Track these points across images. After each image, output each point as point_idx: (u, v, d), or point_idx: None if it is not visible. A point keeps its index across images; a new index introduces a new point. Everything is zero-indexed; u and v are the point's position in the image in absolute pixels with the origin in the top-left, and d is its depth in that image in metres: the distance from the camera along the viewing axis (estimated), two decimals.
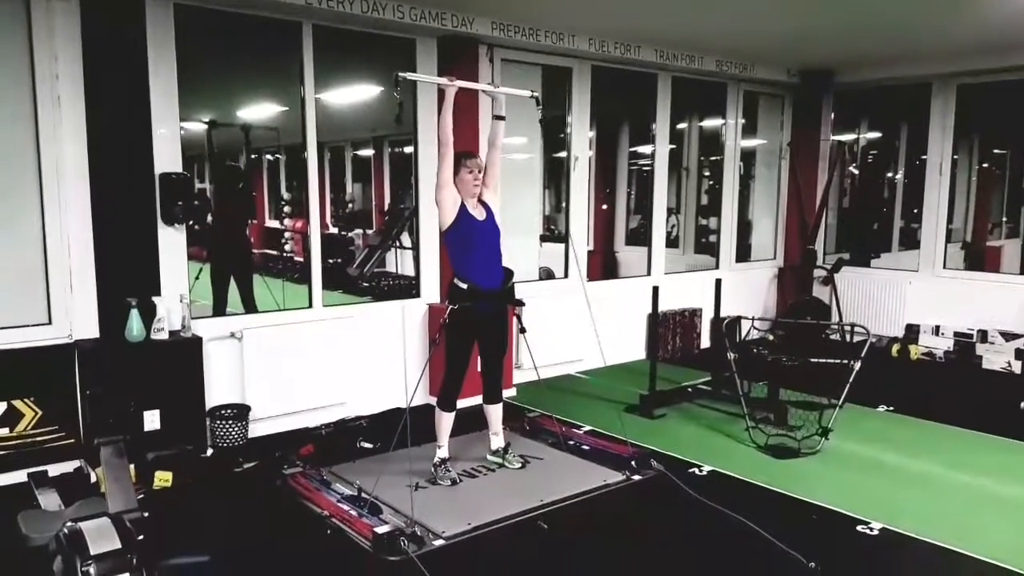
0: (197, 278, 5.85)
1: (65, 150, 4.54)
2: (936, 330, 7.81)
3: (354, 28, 5.54)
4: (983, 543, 3.73)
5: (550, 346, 6.43)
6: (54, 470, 4.50)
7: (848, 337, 7.72)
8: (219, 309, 5.98)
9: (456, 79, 4.33)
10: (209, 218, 6.10)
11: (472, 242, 4.33)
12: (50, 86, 4.48)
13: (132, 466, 4.00)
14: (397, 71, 4.17)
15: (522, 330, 4.70)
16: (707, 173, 9.50)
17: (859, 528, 3.91)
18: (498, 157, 4.54)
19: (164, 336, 4.68)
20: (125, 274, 4.63)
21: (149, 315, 4.62)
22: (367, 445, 5.06)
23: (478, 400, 4.76)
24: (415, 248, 6.33)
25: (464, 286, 4.33)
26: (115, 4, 4.47)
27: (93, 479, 4.31)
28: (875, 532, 3.87)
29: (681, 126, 9.04)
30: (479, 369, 4.66)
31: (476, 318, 4.37)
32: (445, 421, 4.49)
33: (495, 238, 4.44)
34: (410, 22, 5.48)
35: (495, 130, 4.53)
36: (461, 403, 4.55)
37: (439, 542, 3.70)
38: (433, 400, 4.71)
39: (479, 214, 4.39)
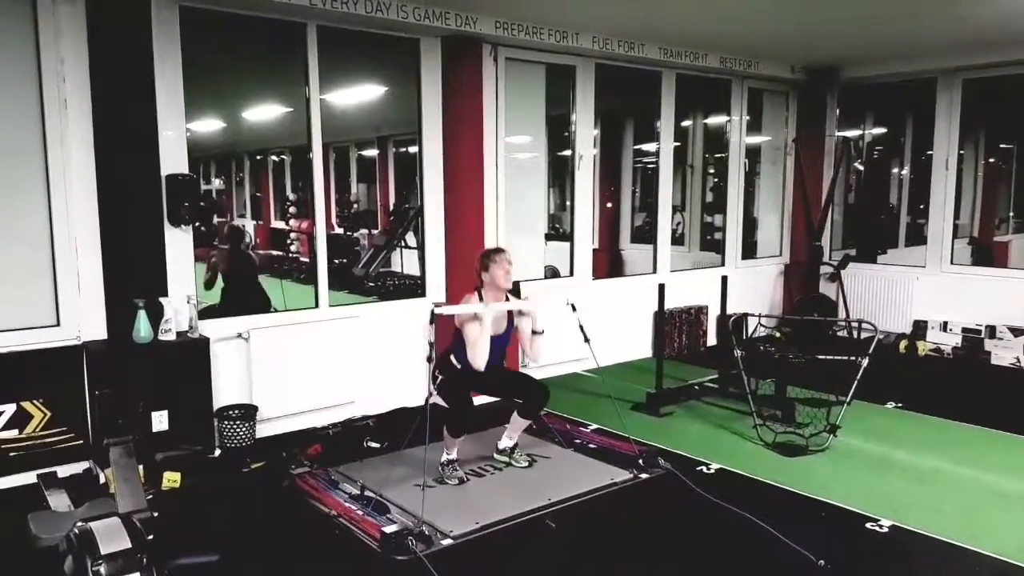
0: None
1: (72, 152, 4.55)
2: (944, 326, 7.79)
3: (358, 28, 5.54)
4: (993, 540, 3.72)
5: (556, 344, 6.41)
6: (63, 471, 4.53)
7: (855, 334, 7.69)
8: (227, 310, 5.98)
9: (487, 305, 4.27)
10: (220, 280, 6.17)
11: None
12: (57, 88, 4.49)
13: (141, 467, 4.01)
14: (433, 305, 4.27)
15: (537, 332, 4.58)
16: (712, 170, 9.48)
17: (868, 525, 3.90)
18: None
19: (171, 337, 4.70)
20: (132, 276, 4.65)
21: (156, 316, 4.63)
22: (374, 445, 5.06)
23: (489, 398, 4.73)
24: (420, 248, 6.34)
25: (459, 366, 4.37)
26: (121, 7, 4.48)
27: (102, 480, 4.33)
28: (884, 529, 3.85)
29: (686, 123, 9.04)
30: (512, 398, 4.64)
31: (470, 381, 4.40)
32: (455, 440, 4.48)
33: (505, 342, 4.45)
34: (414, 22, 5.48)
35: (536, 346, 4.49)
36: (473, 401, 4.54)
37: (447, 541, 3.70)
38: (441, 400, 4.69)
39: (499, 325, 4.36)
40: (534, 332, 4.46)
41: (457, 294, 5.91)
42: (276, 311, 5.82)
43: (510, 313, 4.47)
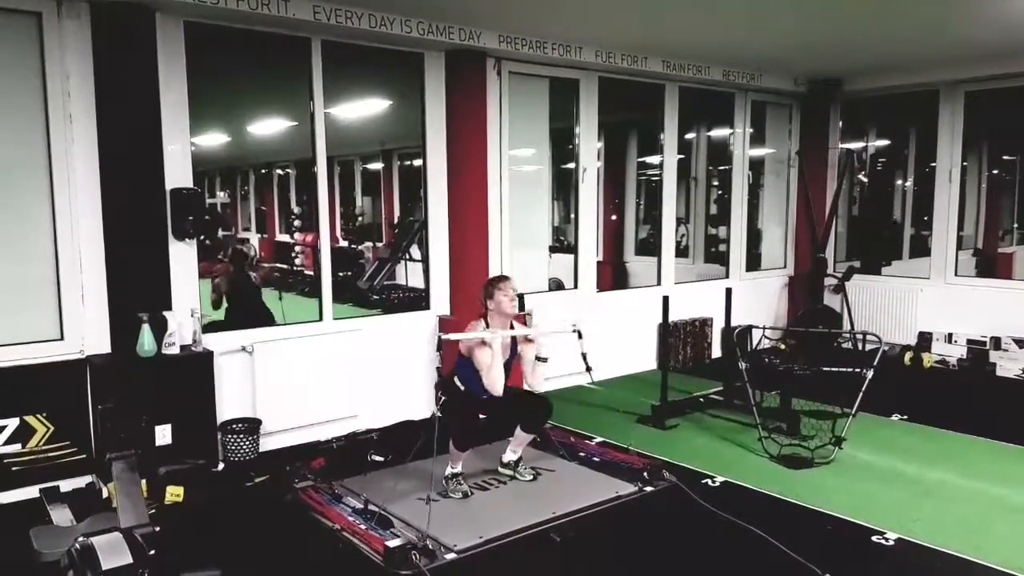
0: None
1: (76, 166, 4.58)
2: (949, 338, 7.76)
3: (363, 43, 5.57)
4: (999, 552, 3.69)
5: (560, 357, 6.40)
6: (66, 485, 4.52)
7: (860, 345, 7.67)
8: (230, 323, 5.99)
9: (496, 330, 4.30)
10: (224, 302, 6.20)
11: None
12: (62, 103, 4.52)
13: (144, 481, 4.00)
14: (440, 335, 4.32)
15: (542, 359, 4.53)
16: (716, 182, 9.49)
17: (874, 538, 3.87)
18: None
19: (175, 351, 4.70)
20: (136, 289, 4.66)
21: (160, 330, 4.63)
22: (378, 458, 5.05)
23: None
24: (425, 261, 6.34)
25: (463, 388, 4.38)
26: (126, 22, 4.51)
27: (105, 494, 4.32)
28: (890, 543, 3.82)
29: (689, 136, 9.05)
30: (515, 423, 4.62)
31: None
32: (461, 455, 4.47)
33: (507, 368, 4.44)
34: (418, 36, 5.52)
35: (538, 373, 4.47)
36: None
37: (451, 556, 3.68)
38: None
39: (504, 352, 4.37)
40: (538, 358, 4.44)
41: (461, 307, 5.94)
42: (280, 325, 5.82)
43: (513, 340, 4.48)
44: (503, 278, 4.51)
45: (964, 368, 7.54)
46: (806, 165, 8.69)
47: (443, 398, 4.37)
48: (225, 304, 6.18)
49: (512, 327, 4.49)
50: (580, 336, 4.43)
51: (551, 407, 4.56)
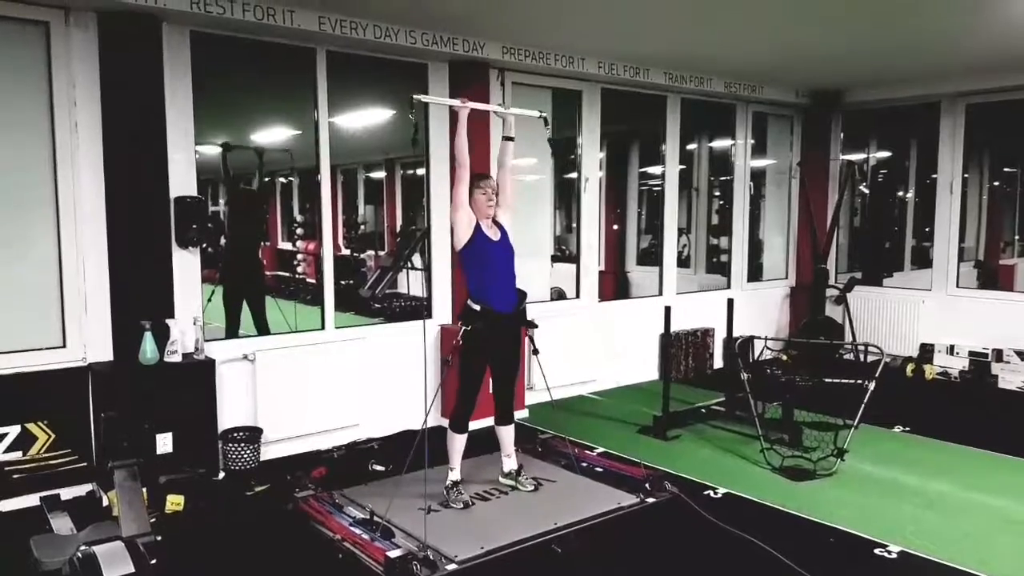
0: (209, 300, 5.88)
1: (81, 174, 4.60)
2: (951, 349, 7.76)
3: (367, 53, 5.60)
4: (1002, 565, 3.68)
5: (562, 367, 6.42)
6: (66, 494, 4.51)
7: (862, 357, 7.68)
8: (232, 331, 6.00)
9: (468, 101, 4.39)
10: (223, 240, 6.15)
11: (486, 262, 4.36)
12: (68, 111, 4.54)
13: (144, 490, 4.00)
14: (412, 94, 4.23)
15: (535, 351, 4.72)
16: (717, 193, 9.51)
17: (877, 551, 3.86)
18: (509, 177, 4.58)
19: (177, 359, 4.70)
20: (139, 297, 4.67)
21: (163, 338, 4.64)
22: (379, 468, 5.04)
23: (490, 421, 4.74)
24: (427, 269, 6.35)
25: (477, 308, 4.34)
26: (132, 31, 4.54)
27: (105, 503, 4.31)
28: (893, 555, 3.81)
29: (691, 147, 9.07)
30: (491, 391, 4.66)
31: (489, 340, 4.38)
32: (458, 443, 4.48)
33: (509, 258, 4.47)
34: (422, 47, 5.54)
35: (504, 150, 4.60)
36: (473, 424, 4.53)
37: (452, 566, 3.67)
38: (445, 422, 4.70)
39: (493, 234, 4.41)
40: (505, 138, 4.56)
41: None
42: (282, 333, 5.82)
43: (503, 229, 4.46)
44: (483, 176, 4.51)
45: (966, 380, 7.53)
46: (807, 176, 8.71)
47: (461, 331, 4.33)
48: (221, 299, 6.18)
49: (497, 226, 4.45)
50: (547, 124, 4.81)
51: (515, 395, 4.67)
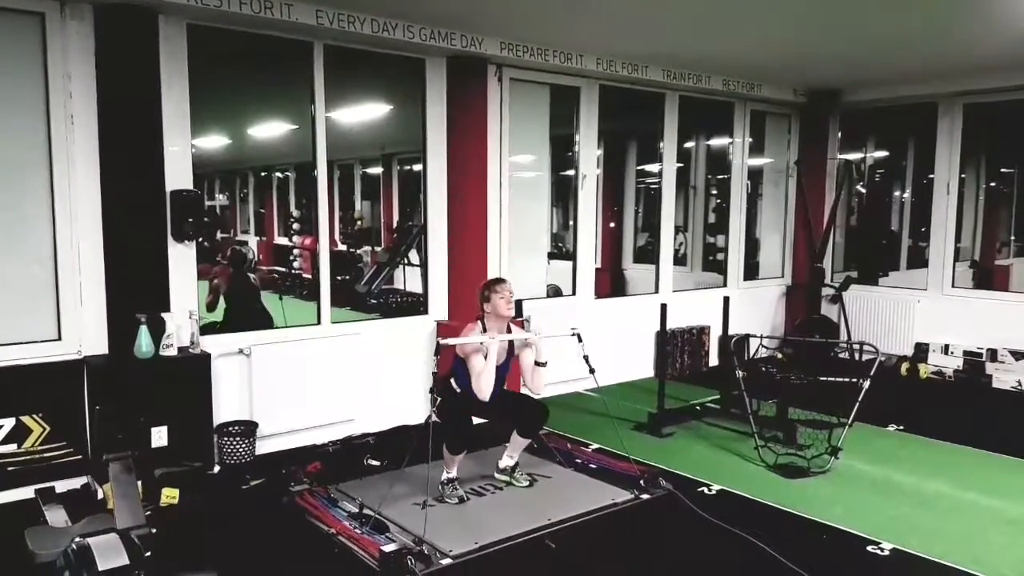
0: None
1: (77, 167, 4.58)
2: (945, 349, 7.77)
3: (365, 48, 5.59)
4: (995, 564, 3.70)
5: (557, 364, 6.41)
6: (61, 486, 4.51)
7: (857, 356, 7.68)
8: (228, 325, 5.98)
9: (495, 334, 4.29)
10: (222, 301, 6.19)
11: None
12: (63, 104, 4.53)
13: (139, 483, 4.00)
14: (439, 338, 4.32)
15: (541, 364, 4.55)
16: (715, 191, 9.51)
17: (869, 548, 3.87)
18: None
19: (173, 352, 4.70)
20: (135, 290, 4.66)
21: (158, 331, 4.63)
22: (374, 462, 5.04)
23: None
24: (423, 265, 6.35)
25: (459, 390, 4.37)
26: (129, 23, 4.52)
27: (100, 495, 4.31)
28: (886, 553, 3.83)
29: (688, 145, 9.07)
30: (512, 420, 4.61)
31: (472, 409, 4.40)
32: (455, 458, 4.46)
33: (505, 371, 4.46)
34: (420, 42, 5.53)
35: (538, 377, 4.46)
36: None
37: (446, 561, 3.67)
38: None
39: (501, 356, 4.36)
40: (537, 363, 4.44)
41: (459, 312, 5.94)
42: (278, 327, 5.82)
43: (511, 343, 4.48)
44: (500, 280, 4.51)
45: (960, 379, 7.55)
46: (805, 175, 8.72)
47: (438, 399, 4.36)
48: (223, 305, 6.18)
49: (509, 330, 4.48)
50: (580, 340, 4.44)
51: (547, 412, 4.56)
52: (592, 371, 4.41)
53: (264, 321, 6.07)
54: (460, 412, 4.40)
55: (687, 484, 4.72)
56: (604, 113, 7.13)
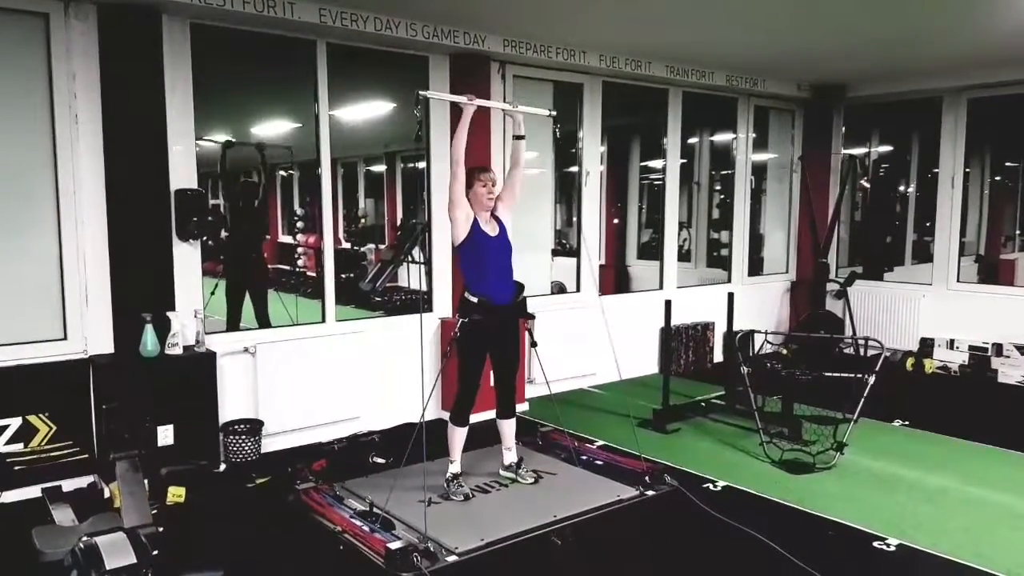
0: (212, 293, 5.88)
1: (82, 167, 4.59)
2: (950, 344, 7.76)
3: (368, 46, 5.59)
4: (1001, 559, 3.69)
5: (562, 360, 6.43)
6: (68, 485, 4.52)
7: (862, 351, 7.69)
8: (233, 324, 6.00)
9: (474, 98, 4.35)
10: (224, 233, 6.17)
11: (484, 258, 4.35)
12: (68, 104, 4.54)
13: (146, 481, 4.01)
14: (418, 90, 4.18)
15: (533, 344, 4.73)
16: (719, 187, 9.50)
17: (876, 544, 3.87)
18: (519, 176, 4.55)
19: (178, 351, 4.71)
20: (140, 290, 4.68)
21: (164, 330, 4.65)
22: (380, 460, 5.05)
23: (490, 415, 4.75)
24: (427, 263, 6.35)
25: (475, 300, 4.34)
26: (132, 23, 4.54)
27: (107, 494, 4.32)
28: (892, 548, 3.83)
29: (692, 140, 9.05)
30: (491, 384, 4.66)
31: (487, 331, 4.38)
32: (458, 436, 4.48)
33: (507, 253, 4.46)
34: (423, 40, 5.53)
35: (516, 149, 4.56)
36: (474, 418, 4.54)
37: (452, 558, 3.68)
38: (446, 415, 4.71)
39: (491, 229, 4.40)
40: (516, 137, 4.54)
41: None
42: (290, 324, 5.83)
43: (501, 224, 4.44)
44: (484, 169, 4.49)
45: (966, 374, 7.54)
46: (808, 170, 8.70)
47: (459, 323, 4.35)
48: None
49: (496, 220, 4.43)
50: (556, 123, 4.78)
51: (515, 388, 4.67)
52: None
53: (262, 280, 6.05)
54: (474, 356, 4.40)
55: (692, 480, 4.73)
56: (607, 109, 7.12)
